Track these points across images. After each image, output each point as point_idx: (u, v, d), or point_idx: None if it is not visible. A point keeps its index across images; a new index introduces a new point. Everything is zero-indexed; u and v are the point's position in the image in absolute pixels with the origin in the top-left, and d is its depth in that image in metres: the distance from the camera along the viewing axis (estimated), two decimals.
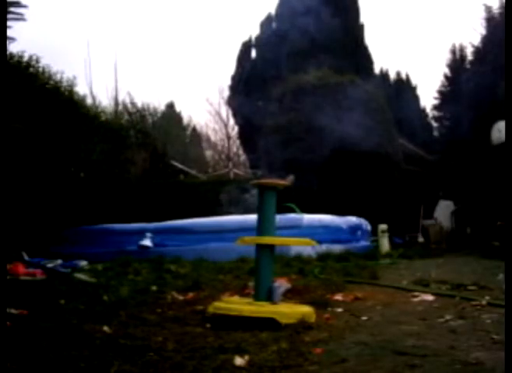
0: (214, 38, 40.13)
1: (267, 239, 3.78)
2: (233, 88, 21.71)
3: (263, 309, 3.47)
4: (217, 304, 3.69)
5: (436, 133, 22.34)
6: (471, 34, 31.27)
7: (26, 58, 11.26)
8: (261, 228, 3.84)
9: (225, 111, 26.65)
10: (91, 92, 16.98)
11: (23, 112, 9.46)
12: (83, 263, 7.71)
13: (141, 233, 9.85)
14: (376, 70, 21.60)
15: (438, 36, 40.07)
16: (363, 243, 10.55)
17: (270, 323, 3.33)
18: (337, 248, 9.25)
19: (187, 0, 36.74)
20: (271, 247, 3.79)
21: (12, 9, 9.40)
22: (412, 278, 5.85)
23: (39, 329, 3.26)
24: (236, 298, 4.13)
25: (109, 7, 37.38)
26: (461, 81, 19.07)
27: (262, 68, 19.67)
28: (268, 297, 3.65)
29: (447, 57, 22.47)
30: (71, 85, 12.46)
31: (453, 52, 22.22)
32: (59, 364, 2.55)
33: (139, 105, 19.14)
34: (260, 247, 3.78)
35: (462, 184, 15.34)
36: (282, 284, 3.96)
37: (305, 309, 3.68)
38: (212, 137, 27.76)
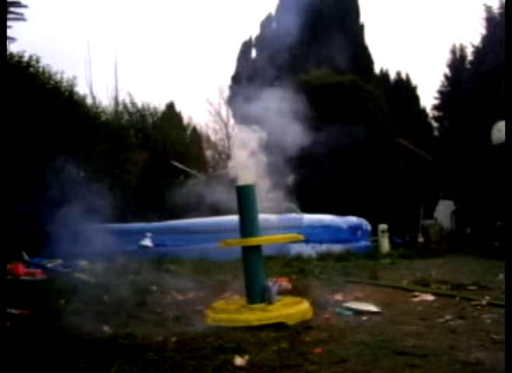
0: (214, 38, 40.09)
1: (253, 240, 3.70)
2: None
3: (270, 315, 3.39)
4: (214, 315, 3.51)
5: (436, 133, 22.31)
6: (471, 34, 31.19)
7: (26, 58, 11.26)
8: (245, 228, 3.73)
9: (225, 111, 26.71)
10: (91, 92, 16.94)
11: (23, 112, 9.45)
12: (83, 263, 7.69)
13: (141, 233, 9.85)
14: (377, 70, 21.62)
15: (438, 36, 40.01)
16: (363, 243, 10.55)
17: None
18: (337, 248, 9.25)
19: (188, 0, 36.74)
20: (258, 247, 3.73)
21: (12, 9, 9.41)
22: (412, 278, 5.85)
23: (39, 329, 3.26)
24: (227, 303, 3.96)
25: (109, 7, 37.38)
26: (461, 81, 19.08)
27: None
28: (263, 297, 3.58)
29: (447, 57, 22.44)
30: (72, 85, 12.46)
31: (453, 52, 22.18)
32: (59, 364, 2.55)
33: (139, 105, 19.10)
34: (246, 249, 3.71)
35: (462, 184, 15.33)
36: (275, 282, 3.89)
37: (303, 306, 3.64)
38: (212, 137, 27.79)
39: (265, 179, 3.96)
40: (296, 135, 4.27)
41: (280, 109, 4.30)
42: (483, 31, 18.56)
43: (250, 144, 3.94)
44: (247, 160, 3.91)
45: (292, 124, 4.28)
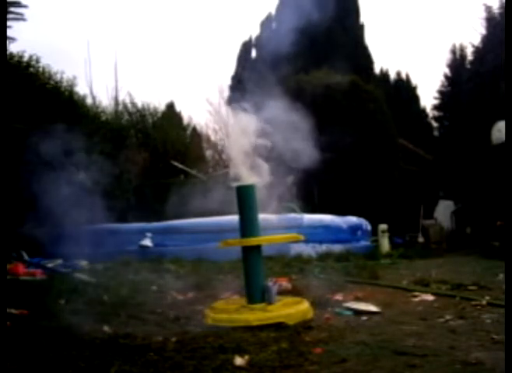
0: (214, 38, 40.08)
1: (253, 240, 3.69)
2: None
3: (270, 315, 3.39)
4: (214, 315, 3.51)
5: (436, 133, 22.31)
6: (471, 34, 31.17)
7: (26, 58, 11.26)
8: (245, 228, 3.73)
9: (225, 111, 26.71)
10: (91, 92, 16.92)
11: (23, 112, 9.44)
12: (83, 263, 7.70)
13: (141, 233, 9.85)
14: (377, 70, 21.62)
15: (438, 36, 39.97)
16: (363, 243, 10.55)
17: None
18: (337, 248, 9.25)
19: (188, 0, 36.75)
20: (258, 247, 3.73)
21: (12, 9, 9.42)
22: (412, 278, 5.85)
23: (39, 329, 3.26)
24: (227, 303, 3.96)
25: (109, 7, 37.35)
26: (461, 81, 19.07)
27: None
28: (263, 297, 3.58)
29: (447, 57, 22.41)
30: (72, 85, 12.46)
31: (453, 52, 22.17)
32: (59, 364, 2.55)
33: (139, 105, 19.08)
34: (246, 249, 3.70)
35: (462, 184, 15.33)
36: (275, 282, 3.89)
37: (303, 306, 3.64)
38: (212, 137, 27.79)
39: (265, 176, 3.96)
40: (296, 136, 4.27)
41: (280, 111, 4.29)
42: (483, 31, 18.55)
43: (247, 130, 3.93)
44: (245, 151, 3.90)
45: (291, 125, 4.27)
